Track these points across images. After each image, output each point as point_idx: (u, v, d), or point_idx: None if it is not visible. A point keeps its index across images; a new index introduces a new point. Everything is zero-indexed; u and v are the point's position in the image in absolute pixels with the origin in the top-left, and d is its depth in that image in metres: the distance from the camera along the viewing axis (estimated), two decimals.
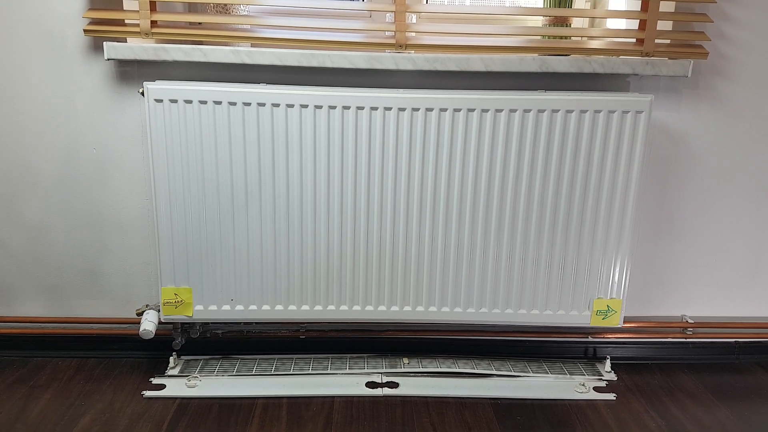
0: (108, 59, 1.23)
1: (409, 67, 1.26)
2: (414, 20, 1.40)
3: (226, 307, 1.31)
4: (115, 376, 1.38)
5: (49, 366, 1.42)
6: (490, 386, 1.37)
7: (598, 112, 1.22)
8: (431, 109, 1.21)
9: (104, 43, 1.22)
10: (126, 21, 1.25)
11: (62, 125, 1.33)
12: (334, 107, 1.20)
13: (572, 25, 1.45)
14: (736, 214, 1.45)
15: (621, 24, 1.46)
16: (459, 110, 1.21)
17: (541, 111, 1.22)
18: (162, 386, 1.34)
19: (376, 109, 1.21)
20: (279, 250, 1.28)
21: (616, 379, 1.42)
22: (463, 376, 1.41)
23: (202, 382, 1.36)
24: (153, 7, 1.24)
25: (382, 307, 1.33)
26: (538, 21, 1.48)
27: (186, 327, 1.40)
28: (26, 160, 1.35)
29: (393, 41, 1.26)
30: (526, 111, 1.22)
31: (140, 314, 1.36)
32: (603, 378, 1.42)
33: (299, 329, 1.47)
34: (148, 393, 1.31)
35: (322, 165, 1.24)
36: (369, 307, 1.33)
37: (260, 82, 1.29)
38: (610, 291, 1.33)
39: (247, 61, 1.24)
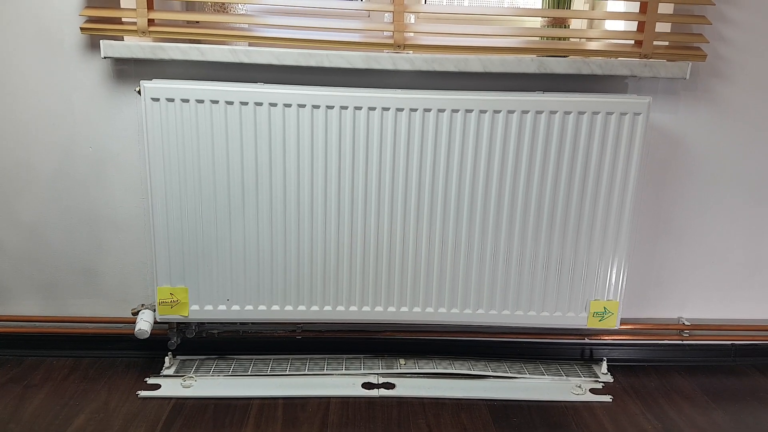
0: (105, 57, 1.23)
1: (407, 67, 1.25)
2: (412, 20, 1.40)
3: (222, 307, 1.31)
4: (110, 376, 1.37)
5: (44, 365, 1.41)
6: (486, 387, 1.37)
7: (596, 113, 1.22)
8: (429, 110, 1.21)
9: (101, 41, 1.22)
10: (123, 19, 1.25)
11: (58, 123, 1.32)
12: (331, 107, 1.20)
13: (571, 27, 1.45)
14: (733, 216, 1.45)
15: (619, 25, 1.46)
16: (457, 111, 1.21)
17: (539, 112, 1.21)
18: (157, 386, 1.33)
19: (373, 109, 1.20)
20: (275, 250, 1.28)
21: (612, 380, 1.42)
22: (459, 377, 1.41)
23: (197, 382, 1.35)
24: (150, 6, 1.23)
25: (378, 308, 1.33)
26: (537, 22, 1.48)
27: (182, 327, 1.39)
28: (22, 158, 1.34)
29: (391, 41, 1.26)
30: (524, 112, 1.21)
31: (136, 314, 1.35)
32: (599, 380, 1.42)
33: (295, 329, 1.46)
34: (143, 393, 1.30)
35: (318, 165, 1.23)
36: (365, 308, 1.33)
37: (258, 82, 1.28)
38: (607, 292, 1.33)
39: (245, 60, 1.23)
